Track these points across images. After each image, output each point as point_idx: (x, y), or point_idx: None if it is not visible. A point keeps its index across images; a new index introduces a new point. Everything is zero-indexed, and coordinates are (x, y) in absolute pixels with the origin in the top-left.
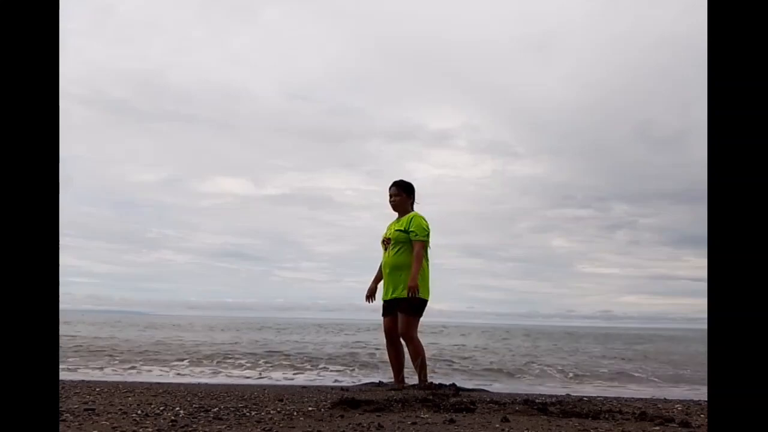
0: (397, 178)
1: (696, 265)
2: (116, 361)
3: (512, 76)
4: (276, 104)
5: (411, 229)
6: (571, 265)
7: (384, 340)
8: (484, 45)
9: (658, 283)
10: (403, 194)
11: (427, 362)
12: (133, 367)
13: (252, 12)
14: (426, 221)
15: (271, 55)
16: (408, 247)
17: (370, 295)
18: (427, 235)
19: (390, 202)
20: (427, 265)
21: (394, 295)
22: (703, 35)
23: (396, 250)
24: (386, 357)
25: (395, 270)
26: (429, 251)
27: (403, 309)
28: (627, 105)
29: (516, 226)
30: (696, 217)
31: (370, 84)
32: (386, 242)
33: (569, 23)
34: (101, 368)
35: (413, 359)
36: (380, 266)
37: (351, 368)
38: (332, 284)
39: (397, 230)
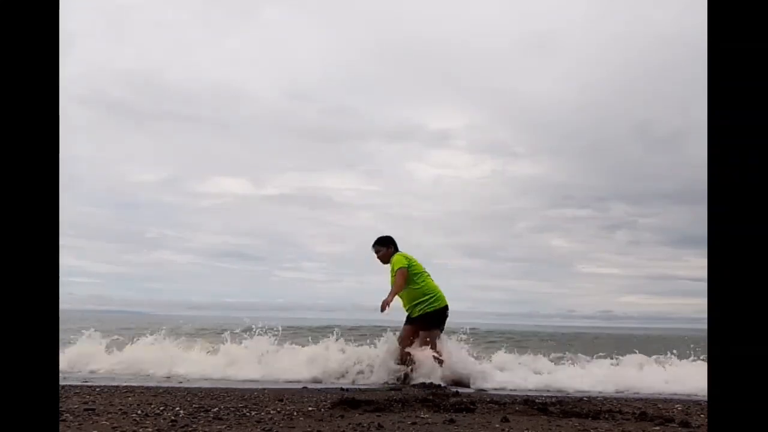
0: (378, 236)
1: (696, 265)
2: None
3: (512, 76)
4: (276, 104)
5: (393, 269)
6: (570, 265)
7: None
8: (484, 45)
9: (658, 283)
10: (383, 249)
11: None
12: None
13: (251, 12)
14: (402, 255)
15: (271, 55)
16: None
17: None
18: (408, 263)
19: (378, 258)
20: (422, 281)
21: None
22: (703, 35)
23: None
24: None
25: (404, 302)
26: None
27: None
28: (627, 105)
29: (515, 226)
30: (696, 217)
31: (370, 84)
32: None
33: (569, 23)
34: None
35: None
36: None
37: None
38: (332, 284)
39: (391, 277)
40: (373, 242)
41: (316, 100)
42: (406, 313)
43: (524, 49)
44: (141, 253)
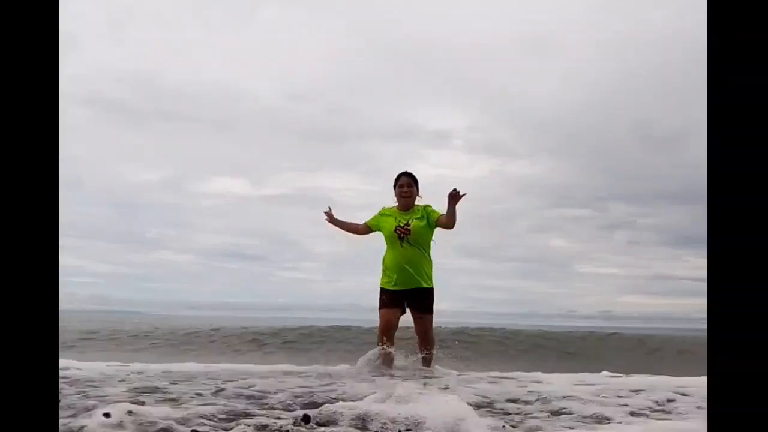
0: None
1: (696, 265)
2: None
3: (511, 76)
4: (276, 104)
5: (432, 215)
6: (570, 265)
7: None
8: (483, 45)
9: (658, 283)
10: (415, 188)
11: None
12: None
13: (251, 12)
14: None
15: (271, 55)
16: (427, 240)
17: (330, 214)
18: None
19: (403, 195)
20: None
21: (418, 285)
22: (703, 35)
23: (416, 242)
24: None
25: (415, 263)
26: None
27: (429, 307)
28: (626, 105)
29: (515, 226)
30: (696, 217)
31: (369, 84)
32: (404, 232)
33: (568, 23)
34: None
35: (429, 359)
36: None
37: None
38: (332, 284)
39: (417, 221)
40: (403, 173)
41: (315, 100)
42: (396, 288)
43: (524, 49)
44: (141, 253)
